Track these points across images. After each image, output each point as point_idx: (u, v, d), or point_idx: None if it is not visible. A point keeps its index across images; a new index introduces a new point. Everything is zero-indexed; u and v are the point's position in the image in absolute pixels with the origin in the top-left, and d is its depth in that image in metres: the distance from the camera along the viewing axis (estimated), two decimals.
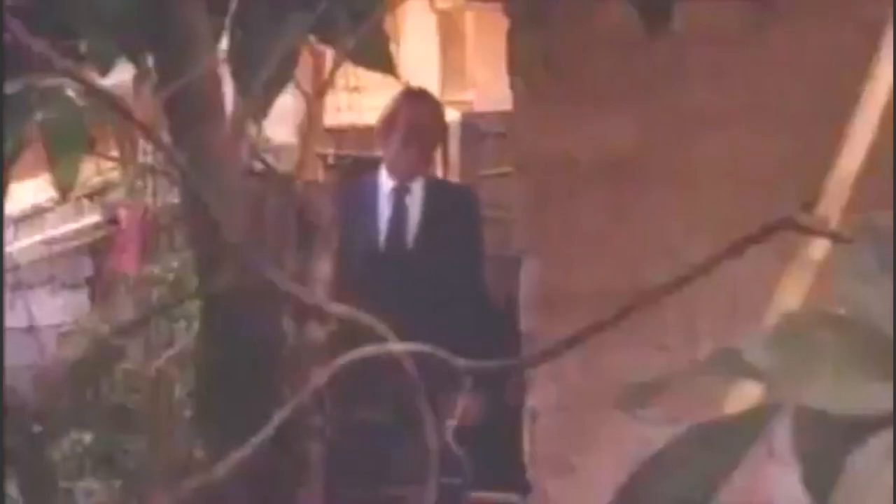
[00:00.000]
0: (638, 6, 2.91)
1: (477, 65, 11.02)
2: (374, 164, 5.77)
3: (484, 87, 10.34)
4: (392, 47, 2.85)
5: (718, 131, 4.62)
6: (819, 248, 1.46)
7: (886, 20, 1.62)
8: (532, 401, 4.93)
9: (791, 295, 1.41)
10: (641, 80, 4.15)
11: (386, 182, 5.46)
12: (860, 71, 1.72)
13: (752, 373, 0.89)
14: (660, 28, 2.91)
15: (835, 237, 1.32)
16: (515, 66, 4.85)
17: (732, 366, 0.94)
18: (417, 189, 5.49)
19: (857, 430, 0.99)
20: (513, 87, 4.99)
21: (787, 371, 0.90)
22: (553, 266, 4.86)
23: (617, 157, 4.69)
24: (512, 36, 4.84)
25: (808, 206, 1.40)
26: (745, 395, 1.32)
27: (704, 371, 1.03)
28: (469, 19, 11.11)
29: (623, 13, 3.47)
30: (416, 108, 5.57)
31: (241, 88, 2.70)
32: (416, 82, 6.12)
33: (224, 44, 2.71)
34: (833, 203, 1.47)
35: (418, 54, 11.00)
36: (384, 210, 5.39)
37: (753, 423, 1.14)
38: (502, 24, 5.08)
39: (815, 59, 4.41)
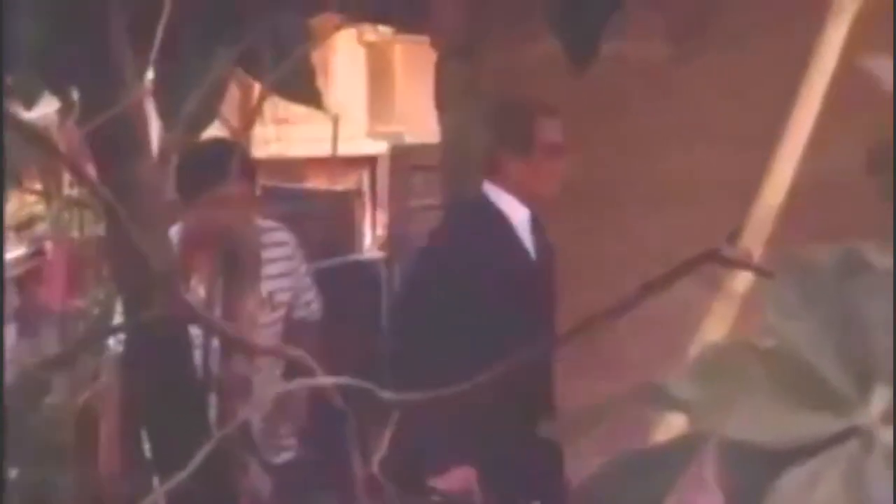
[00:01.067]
0: (562, 42, 2.93)
1: (406, 97, 11.05)
2: (304, 196, 5.73)
3: (413, 119, 10.37)
4: (320, 80, 2.84)
5: (654, 156, 4.65)
6: (742, 281, 1.47)
7: (811, 54, 1.64)
8: None
9: (716, 327, 1.42)
10: (571, 108, 4.17)
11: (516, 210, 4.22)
12: (790, 96, 1.74)
13: (676, 404, 0.90)
14: (585, 63, 2.93)
15: (757, 271, 1.33)
16: (443, 99, 4.87)
17: (657, 398, 0.95)
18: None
19: (781, 459, 1.00)
20: (441, 119, 5.00)
21: (710, 402, 0.91)
22: None
23: None
24: (440, 68, 4.86)
25: (733, 238, 1.42)
26: (673, 425, 1.33)
27: (630, 403, 1.04)
28: (398, 52, 11.14)
29: (551, 43, 3.50)
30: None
31: (167, 122, 2.69)
32: (344, 114, 6.13)
33: (150, 77, 2.70)
34: (756, 236, 1.48)
35: (347, 86, 11.02)
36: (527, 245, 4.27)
37: (681, 453, 1.15)
38: (431, 56, 5.10)
39: (747, 83, 4.46)
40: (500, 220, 4.08)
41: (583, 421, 1.07)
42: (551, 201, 4.13)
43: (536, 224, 4.16)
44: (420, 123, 8.60)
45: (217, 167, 3.61)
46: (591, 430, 1.01)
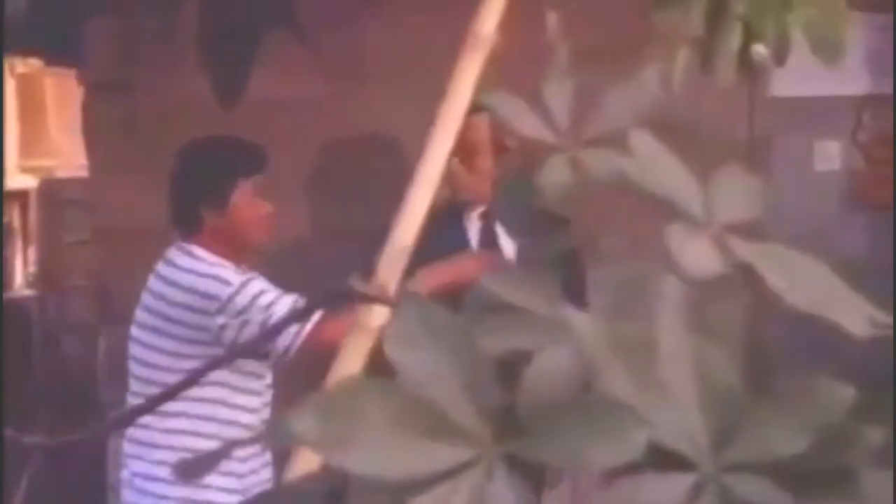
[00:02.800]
0: (210, 79, 2.92)
1: (58, 130, 10.80)
2: None
3: (65, 153, 10.14)
4: None
5: (296, 199, 4.68)
6: (379, 315, 1.49)
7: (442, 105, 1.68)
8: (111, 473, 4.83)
9: (351, 362, 1.43)
10: None
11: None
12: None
13: (301, 440, 0.91)
14: (232, 101, 2.93)
15: (390, 304, 1.35)
16: (92, 133, 4.78)
17: (283, 434, 0.95)
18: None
19: (407, 491, 1.02)
20: (89, 154, 4.91)
21: (332, 438, 0.92)
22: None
23: None
24: (88, 102, 4.78)
25: (366, 274, 1.43)
26: (310, 460, 1.34)
27: (260, 440, 1.04)
28: (49, 84, 10.88)
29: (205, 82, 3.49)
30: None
31: None
32: None
33: None
34: (390, 271, 1.51)
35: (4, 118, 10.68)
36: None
37: (314, 488, 1.16)
38: (80, 89, 5.01)
39: (399, 124, 4.54)
40: None
41: (210, 460, 1.07)
42: None
43: None
44: (72, 157, 8.42)
45: (241, 155, 3.79)
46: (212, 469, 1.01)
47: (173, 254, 3.82)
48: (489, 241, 4.23)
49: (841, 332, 1.22)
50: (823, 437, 1.07)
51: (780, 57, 2.36)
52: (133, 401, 3.56)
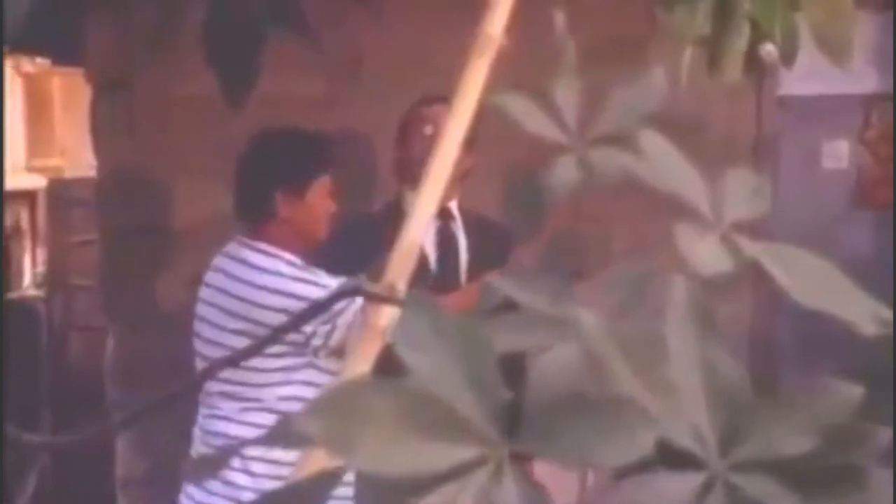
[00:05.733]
0: (219, 79, 2.93)
1: (65, 130, 10.81)
2: None
3: (72, 152, 10.16)
4: None
5: None
6: (387, 315, 1.50)
7: (450, 106, 1.68)
8: (120, 471, 4.84)
9: (360, 360, 1.43)
10: (225, 146, 4.16)
11: None
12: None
13: (307, 441, 0.91)
14: (240, 100, 2.93)
15: (399, 304, 1.36)
16: (98, 132, 4.79)
17: (289, 434, 0.96)
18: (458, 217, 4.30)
19: (414, 490, 1.02)
20: (97, 153, 4.92)
21: (338, 437, 0.92)
22: (135, 335, 4.80)
23: (203, 224, 4.68)
24: (95, 101, 4.79)
25: (375, 274, 1.44)
26: (315, 460, 1.34)
27: (268, 441, 1.05)
28: (56, 84, 10.90)
29: (209, 82, 3.49)
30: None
31: None
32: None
33: None
34: (400, 271, 1.51)
35: (4, 118, 10.68)
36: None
37: (320, 488, 1.16)
38: (88, 89, 5.01)
39: (389, 129, 4.54)
40: None
41: (216, 462, 1.07)
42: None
43: None
44: (79, 157, 8.43)
45: (319, 152, 3.77)
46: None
47: (242, 251, 3.75)
48: (446, 242, 4.14)
49: (847, 329, 1.22)
50: (830, 436, 1.08)
51: (788, 56, 2.36)
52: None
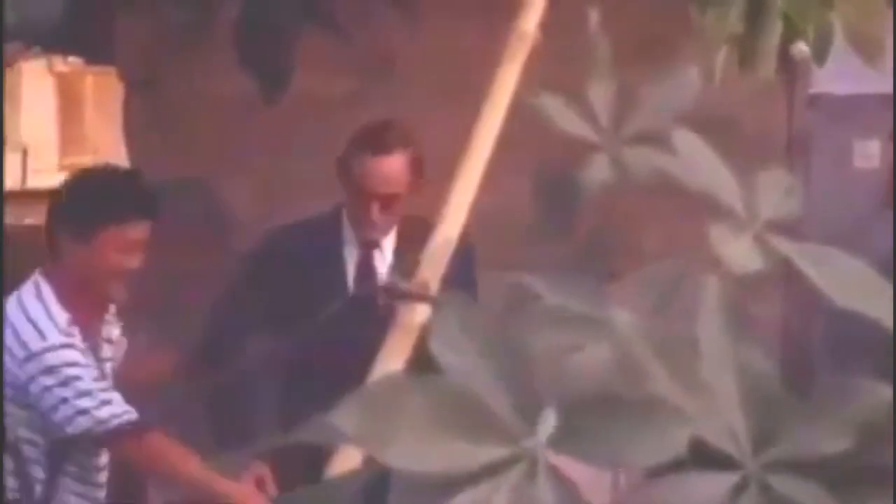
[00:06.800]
0: (254, 73, 2.94)
1: (97, 128, 10.85)
2: None
3: (104, 151, 10.19)
4: (7, 111, 2.76)
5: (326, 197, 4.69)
6: (420, 313, 1.50)
7: (484, 104, 1.68)
8: None
9: (393, 358, 1.44)
10: (253, 146, 4.19)
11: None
12: (462, 142, 1.79)
13: (342, 437, 0.91)
14: (277, 96, 2.95)
15: (432, 302, 1.36)
16: (130, 130, 4.82)
17: (324, 431, 0.96)
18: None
19: (449, 487, 1.02)
20: (129, 151, 4.94)
21: (372, 433, 0.92)
22: None
23: (230, 222, 4.70)
24: (128, 100, 4.81)
25: (407, 272, 1.44)
26: (348, 458, 1.34)
27: (301, 437, 1.05)
28: (89, 82, 10.94)
29: (237, 80, 3.50)
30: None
31: None
32: (34, 145, 5.97)
33: None
34: (433, 269, 1.52)
35: (37, 117, 10.74)
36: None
37: (350, 485, 1.17)
38: (121, 87, 5.03)
39: (420, 126, 4.53)
40: None
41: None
42: None
43: None
44: (111, 155, 8.46)
45: (119, 199, 3.24)
46: None
47: (26, 284, 3.34)
48: (366, 273, 3.74)
49: (881, 328, 1.22)
50: (864, 436, 1.07)
51: (820, 54, 2.35)
52: None
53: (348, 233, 3.73)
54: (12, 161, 8.92)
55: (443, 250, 1.51)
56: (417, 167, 3.53)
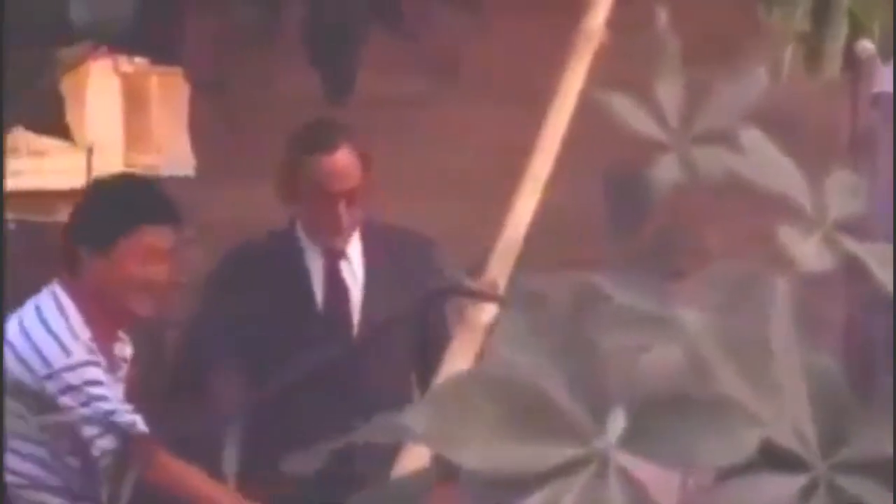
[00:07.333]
0: (321, 74, 2.95)
1: (162, 128, 10.90)
2: (53, 230, 5.59)
3: (169, 151, 10.24)
4: (73, 111, 2.78)
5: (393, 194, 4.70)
6: (487, 312, 1.50)
7: (552, 102, 1.68)
8: None
9: (460, 358, 1.44)
10: None
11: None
12: (527, 142, 1.79)
13: (413, 436, 0.92)
14: (343, 95, 2.96)
15: (499, 301, 1.36)
16: (197, 132, 4.85)
17: (393, 430, 0.96)
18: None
19: (520, 487, 1.02)
20: (195, 152, 4.97)
21: (443, 434, 0.92)
22: None
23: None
24: (194, 100, 4.84)
25: (475, 271, 1.44)
26: (416, 456, 1.35)
27: (367, 435, 1.05)
28: (154, 82, 10.99)
29: (304, 78, 3.51)
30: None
31: None
32: (99, 145, 6.00)
33: None
34: (501, 268, 1.52)
35: (102, 117, 10.80)
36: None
37: (419, 484, 1.17)
38: (187, 87, 5.07)
39: (486, 127, 4.54)
40: None
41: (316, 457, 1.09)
42: None
43: None
44: (176, 155, 8.51)
45: (136, 206, 3.18)
46: None
47: (42, 295, 3.24)
48: (335, 285, 3.69)
49: None
50: None
51: (886, 52, 2.33)
52: None
53: (307, 244, 3.64)
54: (77, 160, 8.97)
55: (510, 250, 1.51)
56: (366, 160, 3.51)
